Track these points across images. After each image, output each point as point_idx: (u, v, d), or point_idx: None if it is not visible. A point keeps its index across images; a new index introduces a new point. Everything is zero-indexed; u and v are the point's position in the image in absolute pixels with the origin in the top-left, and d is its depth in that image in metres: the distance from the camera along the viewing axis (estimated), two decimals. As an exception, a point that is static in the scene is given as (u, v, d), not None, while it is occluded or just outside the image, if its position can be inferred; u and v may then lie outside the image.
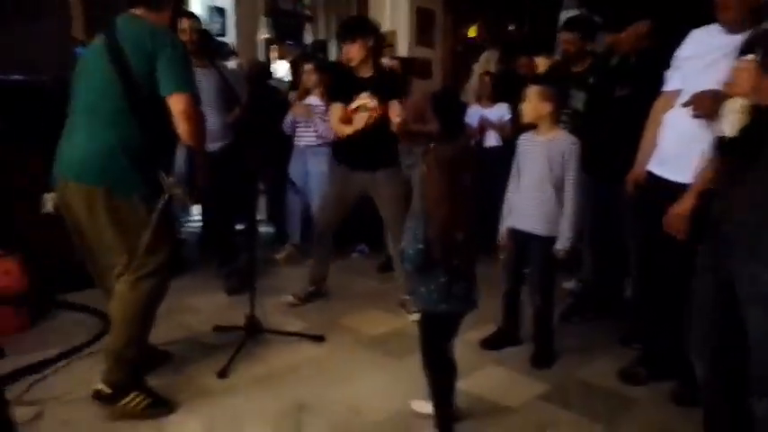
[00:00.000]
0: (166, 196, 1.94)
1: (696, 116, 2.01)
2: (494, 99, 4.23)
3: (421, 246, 1.78)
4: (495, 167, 2.57)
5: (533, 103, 2.41)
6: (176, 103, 1.87)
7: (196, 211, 3.90)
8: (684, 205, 1.95)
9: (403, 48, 5.43)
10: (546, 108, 2.41)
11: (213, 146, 3.21)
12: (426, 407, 2.00)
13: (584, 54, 3.15)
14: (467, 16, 5.90)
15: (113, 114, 1.91)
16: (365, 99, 2.83)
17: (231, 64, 4.69)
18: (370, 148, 2.91)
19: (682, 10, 2.18)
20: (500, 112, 4.16)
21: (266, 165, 3.95)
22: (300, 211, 4.02)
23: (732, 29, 1.92)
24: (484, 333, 2.68)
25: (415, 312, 2.65)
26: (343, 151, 3.07)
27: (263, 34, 6.25)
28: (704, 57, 2.04)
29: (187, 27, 3.14)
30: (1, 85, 3.01)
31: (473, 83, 5.03)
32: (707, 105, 1.94)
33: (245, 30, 7.45)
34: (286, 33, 6.58)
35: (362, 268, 3.87)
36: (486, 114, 4.21)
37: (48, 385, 2.17)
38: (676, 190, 2.12)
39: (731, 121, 1.43)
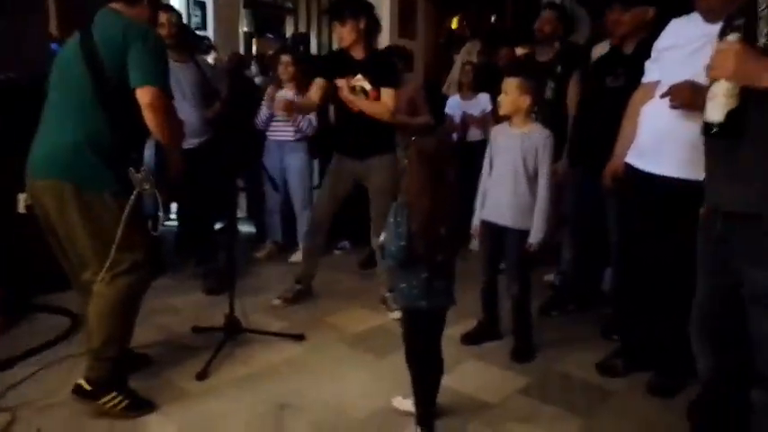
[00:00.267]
0: (137, 192, 1.92)
1: (674, 107, 2.00)
2: (475, 89, 4.23)
3: (403, 242, 1.76)
4: (479, 162, 2.58)
5: (512, 96, 2.40)
6: (143, 96, 1.85)
7: (173, 208, 3.84)
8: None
9: (384, 39, 5.39)
10: (525, 101, 2.40)
11: (192, 142, 3.17)
12: (407, 404, 1.99)
13: (554, 39, 3.20)
14: (449, 8, 5.86)
15: (82, 110, 1.89)
16: (361, 81, 2.79)
17: (210, 59, 4.62)
18: (362, 133, 2.84)
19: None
20: (482, 103, 4.17)
21: (246, 160, 3.90)
22: (280, 209, 3.98)
23: (710, 17, 1.87)
24: (465, 328, 2.67)
25: (395, 310, 2.65)
26: (334, 137, 3.01)
27: (244, 27, 6.18)
28: (684, 47, 2.01)
29: (165, 21, 3.08)
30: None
31: (454, 74, 5.02)
32: (685, 96, 1.93)
33: (226, 23, 7.36)
34: (267, 26, 6.51)
35: (345, 265, 3.84)
36: (468, 106, 4.21)
37: (21, 391, 2.12)
38: (655, 182, 2.12)
39: (716, 105, 1.37)
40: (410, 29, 5.24)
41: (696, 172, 1.77)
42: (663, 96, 2.02)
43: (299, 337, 2.65)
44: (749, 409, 1.49)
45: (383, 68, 2.83)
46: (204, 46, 4.92)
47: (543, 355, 2.54)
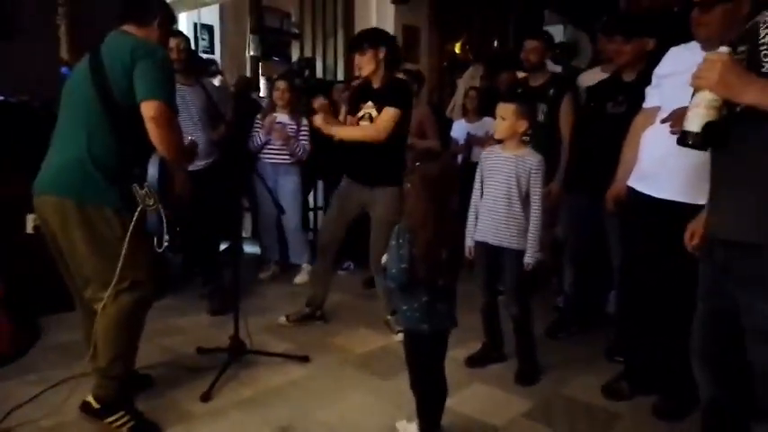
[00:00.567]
0: (140, 209, 1.92)
1: (674, 133, 2.02)
2: (480, 113, 4.34)
3: (404, 265, 1.77)
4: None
5: (510, 121, 2.43)
6: (147, 109, 1.85)
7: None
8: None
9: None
10: (523, 126, 2.44)
11: (198, 164, 3.21)
12: (412, 428, 1.98)
13: (543, 66, 3.29)
14: (452, 33, 5.95)
15: (89, 128, 1.90)
16: (369, 108, 2.84)
17: (216, 81, 4.70)
18: (367, 161, 2.87)
19: (680, 28, 2.13)
20: (486, 126, 4.23)
21: (250, 181, 3.94)
22: (277, 230, 4.00)
23: (708, 46, 1.91)
24: (469, 350, 2.67)
25: (399, 332, 2.65)
26: (343, 161, 3.05)
27: (251, 51, 6.28)
28: (683, 74, 2.00)
29: (174, 46, 3.14)
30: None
31: (457, 98, 5.08)
32: None
33: (233, 47, 7.48)
34: (273, 51, 6.61)
35: (348, 285, 3.85)
36: (474, 129, 4.32)
37: (25, 412, 2.12)
38: (656, 206, 2.15)
39: (695, 115, 1.35)
40: (414, 53, 5.31)
41: (697, 196, 1.78)
42: (663, 122, 2.06)
43: (304, 359, 2.65)
44: None
45: (395, 92, 2.85)
46: (211, 70, 5.01)
47: (548, 378, 2.53)
